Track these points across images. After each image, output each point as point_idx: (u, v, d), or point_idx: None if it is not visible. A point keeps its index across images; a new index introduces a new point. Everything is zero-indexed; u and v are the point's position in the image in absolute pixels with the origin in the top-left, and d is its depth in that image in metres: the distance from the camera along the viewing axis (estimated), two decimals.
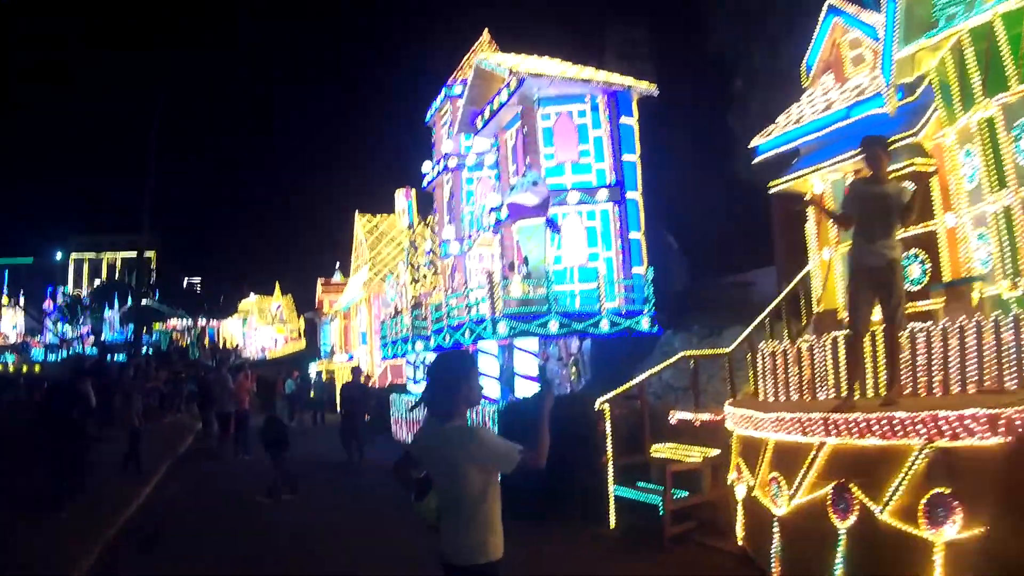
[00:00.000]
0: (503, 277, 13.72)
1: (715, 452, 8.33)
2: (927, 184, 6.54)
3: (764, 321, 10.29)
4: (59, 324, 68.86)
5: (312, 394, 28.45)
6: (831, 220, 7.12)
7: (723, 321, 13.80)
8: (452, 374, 3.70)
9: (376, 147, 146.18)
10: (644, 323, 13.99)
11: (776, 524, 6.62)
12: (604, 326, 13.46)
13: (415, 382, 20.58)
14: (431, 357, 19.15)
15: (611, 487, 8.59)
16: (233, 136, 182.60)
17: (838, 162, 8.96)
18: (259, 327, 73.93)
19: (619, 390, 9.13)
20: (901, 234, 6.32)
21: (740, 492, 7.33)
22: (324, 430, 25.25)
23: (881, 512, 5.52)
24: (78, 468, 10.80)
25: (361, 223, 32.62)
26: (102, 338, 58.53)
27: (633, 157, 15.46)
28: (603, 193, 14.96)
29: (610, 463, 8.62)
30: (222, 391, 17.24)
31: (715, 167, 18.54)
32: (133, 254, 59.93)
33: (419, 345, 18.46)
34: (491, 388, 14.53)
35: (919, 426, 5.38)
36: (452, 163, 19.85)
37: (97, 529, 9.05)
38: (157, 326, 67.68)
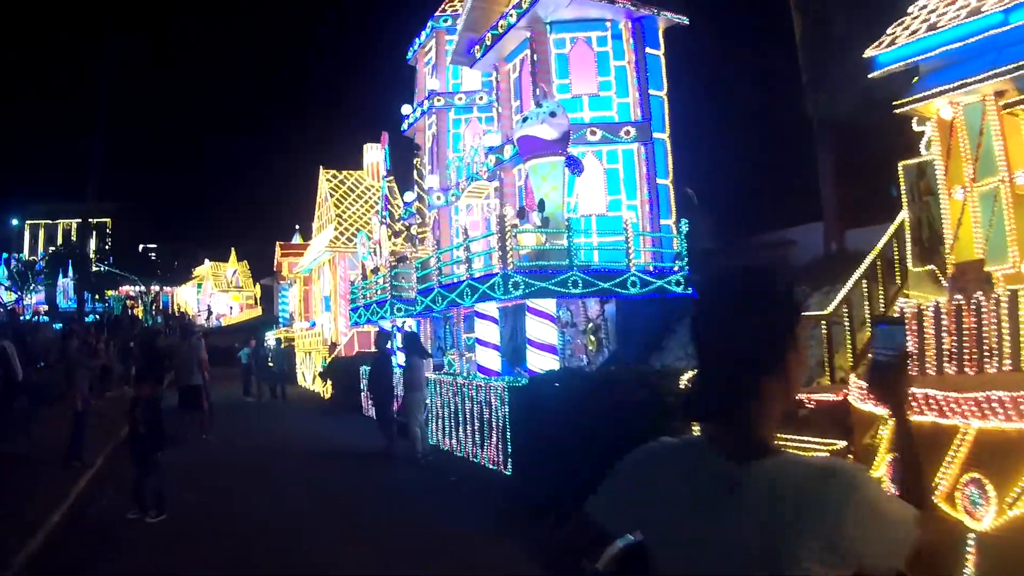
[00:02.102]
0: (512, 225, 11.46)
1: (840, 444, 6.26)
2: None
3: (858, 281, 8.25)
4: (11, 292, 64.68)
5: (271, 363, 25.85)
6: None
7: None
8: (760, 318, 1.45)
9: (339, 107, 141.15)
10: (677, 284, 11.91)
11: (972, 542, 4.62)
12: (633, 286, 11.33)
13: (391, 352, 18.13)
14: (411, 323, 16.69)
15: None
16: (188, 97, 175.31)
17: (986, 78, 6.89)
18: (214, 293, 70.74)
19: None
20: None
21: None
22: (286, 405, 22.84)
23: None
24: None
25: (326, 178, 29.85)
26: (55, 305, 54.93)
27: (660, 93, 13.34)
28: (628, 131, 12.75)
29: None
30: (188, 361, 14.45)
31: (741, 111, 16.47)
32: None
33: (399, 309, 16.11)
34: (490, 359, 12.34)
35: None
36: (438, 102, 17.44)
37: None
38: (110, 293, 64.35)
